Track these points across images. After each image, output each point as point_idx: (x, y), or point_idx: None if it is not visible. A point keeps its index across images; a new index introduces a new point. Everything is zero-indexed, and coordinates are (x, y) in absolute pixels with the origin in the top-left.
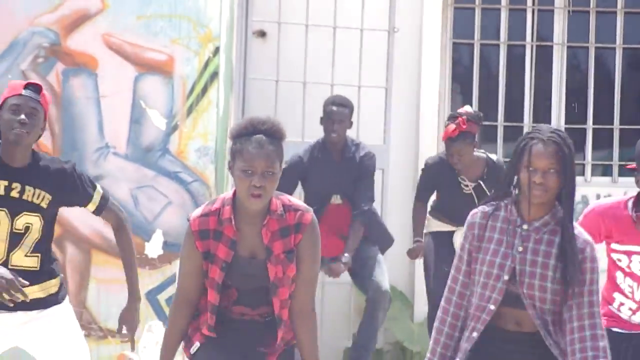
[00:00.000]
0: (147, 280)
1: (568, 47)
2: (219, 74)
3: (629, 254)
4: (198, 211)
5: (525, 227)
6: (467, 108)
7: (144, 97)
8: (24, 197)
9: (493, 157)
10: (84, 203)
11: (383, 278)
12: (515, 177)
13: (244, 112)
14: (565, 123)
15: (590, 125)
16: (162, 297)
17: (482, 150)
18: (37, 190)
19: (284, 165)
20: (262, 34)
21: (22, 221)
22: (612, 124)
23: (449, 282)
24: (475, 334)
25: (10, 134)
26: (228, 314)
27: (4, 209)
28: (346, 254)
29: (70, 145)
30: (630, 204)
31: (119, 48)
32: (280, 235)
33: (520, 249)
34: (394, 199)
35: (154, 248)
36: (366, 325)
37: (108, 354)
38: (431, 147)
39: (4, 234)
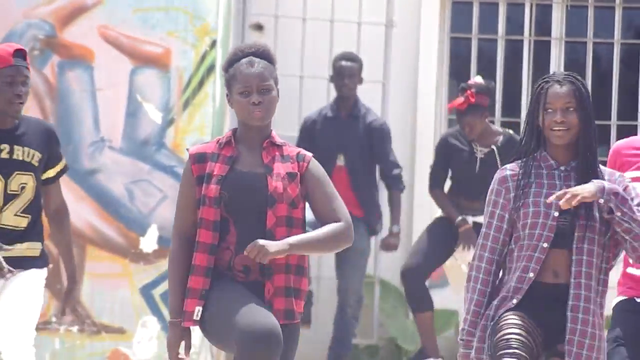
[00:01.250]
0: (142, 275)
1: (566, 42)
2: (216, 67)
3: None
4: (197, 145)
5: (562, 168)
6: (477, 79)
7: (140, 90)
8: (14, 156)
9: (510, 131)
10: (54, 163)
11: (354, 280)
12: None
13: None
14: None
15: (613, 122)
16: (156, 292)
17: (497, 126)
18: (28, 150)
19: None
20: (259, 27)
21: (17, 182)
22: (610, 119)
23: (480, 240)
24: (531, 274)
25: (10, 108)
26: (229, 273)
27: None
28: (395, 225)
29: (66, 138)
30: None
31: (115, 41)
32: (280, 159)
33: (564, 185)
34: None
35: (148, 243)
36: (337, 319)
37: (102, 349)
38: (429, 140)
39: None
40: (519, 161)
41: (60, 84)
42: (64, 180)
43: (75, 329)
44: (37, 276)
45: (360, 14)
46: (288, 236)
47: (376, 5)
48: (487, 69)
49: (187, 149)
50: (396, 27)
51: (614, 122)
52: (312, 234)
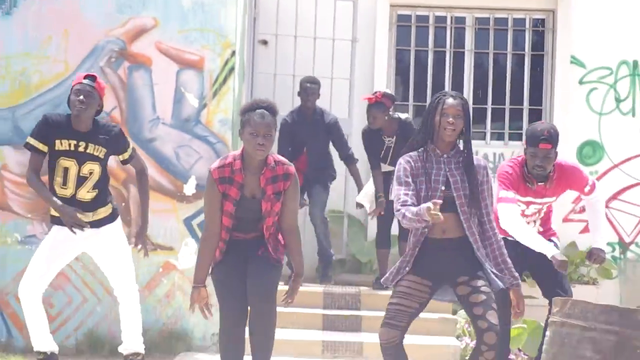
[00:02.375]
0: (184, 210)
1: (475, 52)
2: (235, 69)
3: (527, 203)
4: (216, 164)
5: (445, 156)
6: (385, 89)
7: (183, 85)
8: (88, 150)
9: (402, 115)
10: (122, 152)
11: (318, 209)
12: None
13: (252, 96)
14: (473, 104)
15: (489, 105)
16: (194, 222)
17: (397, 114)
18: (97, 147)
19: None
20: (264, 42)
21: (87, 168)
22: (504, 104)
23: (401, 198)
24: (425, 231)
25: (74, 110)
26: (231, 237)
27: (73, 159)
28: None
29: (133, 117)
30: (522, 167)
31: (166, 51)
32: (272, 181)
33: (447, 169)
34: (355, 154)
35: (189, 188)
36: (318, 240)
37: (157, 261)
38: None
39: (74, 177)
40: (417, 151)
41: (129, 80)
42: (134, 147)
43: (140, 246)
44: (116, 226)
45: (334, 33)
46: (275, 232)
47: (345, 26)
48: (421, 70)
49: (210, 170)
50: (358, 41)
51: (507, 106)
52: (298, 261)
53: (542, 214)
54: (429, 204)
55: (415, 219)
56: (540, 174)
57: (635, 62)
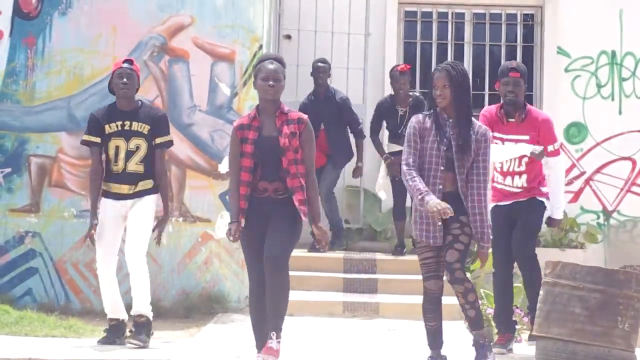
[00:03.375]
0: (219, 187)
1: (473, 44)
2: None
3: (502, 140)
4: (237, 120)
5: (451, 120)
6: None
7: (217, 76)
8: (133, 128)
9: (417, 94)
10: (159, 135)
11: (324, 185)
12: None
13: None
14: (472, 91)
15: (487, 91)
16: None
17: (412, 91)
18: (141, 124)
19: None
20: (288, 36)
21: (133, 143)
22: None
23: (407, 158)
24: (441, 187)
25: (120, 91)
26: (255, 194)
27: (122, 137)
28: (359, 161)
29: (173, 105)
30: (498, 107)
31: (202, 46)
32: (286, 123)
33: (452, 132)
34: (369, 137)
35: (223, 167)
36: (326, 210)
37: (196, 231)
38: None
39: (123, 152)
40: (426, 112)
41: (170, 72)
42: (174, 132)
43: (181, 219)
44: (151, 200)
45: (349, 27)
46: (296, 170)
47: (358, 22)
48: (426, 61)
49: (232, 123)
50: (371, 35)
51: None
52: (315, 205)
53: (522, 164)
54: (438, 209)
55: (416, 197)
56: (512, 100)
57: (613, 52)
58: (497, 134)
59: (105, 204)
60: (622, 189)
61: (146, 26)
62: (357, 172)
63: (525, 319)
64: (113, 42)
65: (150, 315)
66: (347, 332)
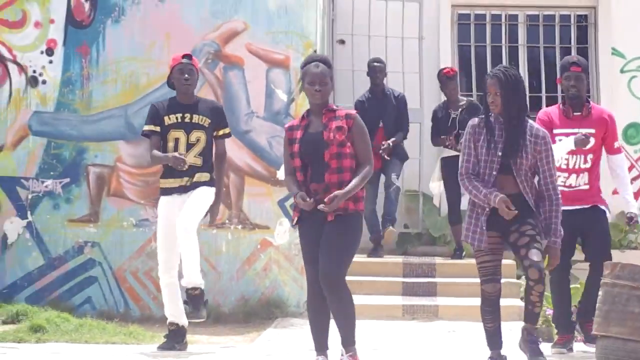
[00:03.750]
0: (278, 193)
1: (527, 46)
2: None
3: (567, 135)
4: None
5: (503, 124)
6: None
7: (273, 82)
8: (194, 120)
9: (472, 99)
10: (221, 127)
11: (394, 173)
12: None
13: (335, 90)
14: (529, 93)
15: (544, 93)
16: (287, 204)
17: (465, 95)
18: (201, 117)
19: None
20: (342, 42)
21: (194, 136)
22: (557, 92)
23: (466, 164)
24: (497, 191)
25: (182, 87)
26: (308, 193)
27: (182, 129)
28: (390, 141)
29: (230, 112)
30: (559, 105)
31: (256, 52)
32: (333, 119)
33: (505, 134)
34: (427, 141)
35: (281, 174)
36: (385, 202)
37: (255, 238)
38: None
39: (183, 145)
40: (481, 117)
41: (225, 79)
42: (232, 139)
43: (240, 227)
44: (206, 191)
45: (403, 31)
46: (339, 165)
47: (412, 26)
48: (481, 64)
49: (284, 126)
50: (424, 39)
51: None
52: (352, 184)
53: (588, 160)
54: (502, 200)
55: (483, 200)
56: (575, 95)
57: None
58: (562, 130)
59: (162, 203)
60: None
61: (200, 33)
62: (385, 150)
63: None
64: (167, 50)
65: (203, 285)
66: (407, 335)
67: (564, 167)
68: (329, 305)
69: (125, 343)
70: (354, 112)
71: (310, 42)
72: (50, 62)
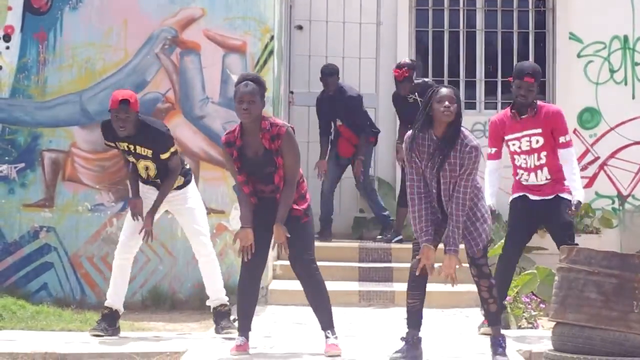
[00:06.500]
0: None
1: (485, 31)
2: (274, 52)
3: (518, 139)
4: (225, 134)
5: (435, 138)
6: (406, 59)
7: (229, 67)
8: (137, 151)
9: (426, 79)
10: (164, 152)
11: (365, 174)
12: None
13: (290, 76)
14: (485, 77)
15: (499, 78)
16: None
17: (420, 78)
18: (143, 148)
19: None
20: (300, 27)
21: (142, 164)
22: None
23: (414, 183)
24: (434, 205)
25: (117, 129)
26: (259, 194)
27: (132, 156)
28: (360, 156)
29: (185, 97)
30: (509, 109)
31: (213, 38)
32: (270, 140)
33: (437, 151)
34: (382, 126)
35: None
36: (369, 204)
37: (211, 222)
38: None
39: (141, 167)
40: (413, 131)
41: (181, 65)
42: (187, 124)
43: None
44: (186, 191)
45: (361, 17)
46: (279, 181)
47: (370, 11)
48: (438, 49)
49: (222, 139)
50: (382, 24)
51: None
52: (280, 212)
53: (542, 157)
54: (426, 249)
55: (414, 229)
56: (522, 102)
57: (625, 37)
58: (513, 135)
59: (143, 190)
60: (636, 174)
61: (157, 19)
62: (357, 166)
63: (542, 306)
64: (124, 36)
65: (227, 300)
66: (363, 321)
67: (523, 166)
68: (310, 291)
69: (82, 330)
70: (284, 129)
71: (267, 27)
72: (7, 47)
